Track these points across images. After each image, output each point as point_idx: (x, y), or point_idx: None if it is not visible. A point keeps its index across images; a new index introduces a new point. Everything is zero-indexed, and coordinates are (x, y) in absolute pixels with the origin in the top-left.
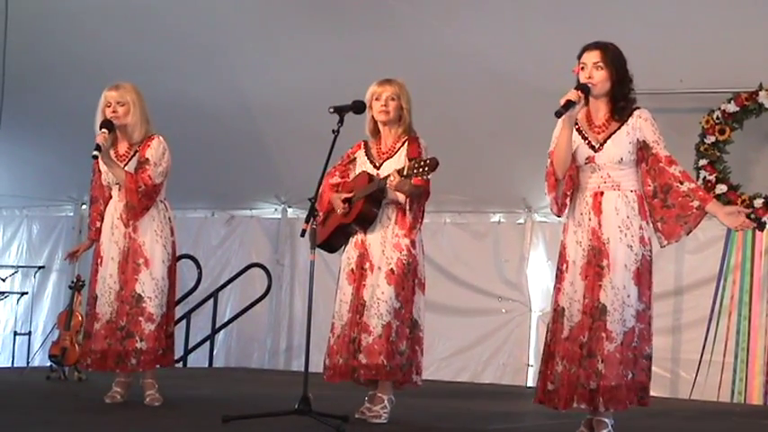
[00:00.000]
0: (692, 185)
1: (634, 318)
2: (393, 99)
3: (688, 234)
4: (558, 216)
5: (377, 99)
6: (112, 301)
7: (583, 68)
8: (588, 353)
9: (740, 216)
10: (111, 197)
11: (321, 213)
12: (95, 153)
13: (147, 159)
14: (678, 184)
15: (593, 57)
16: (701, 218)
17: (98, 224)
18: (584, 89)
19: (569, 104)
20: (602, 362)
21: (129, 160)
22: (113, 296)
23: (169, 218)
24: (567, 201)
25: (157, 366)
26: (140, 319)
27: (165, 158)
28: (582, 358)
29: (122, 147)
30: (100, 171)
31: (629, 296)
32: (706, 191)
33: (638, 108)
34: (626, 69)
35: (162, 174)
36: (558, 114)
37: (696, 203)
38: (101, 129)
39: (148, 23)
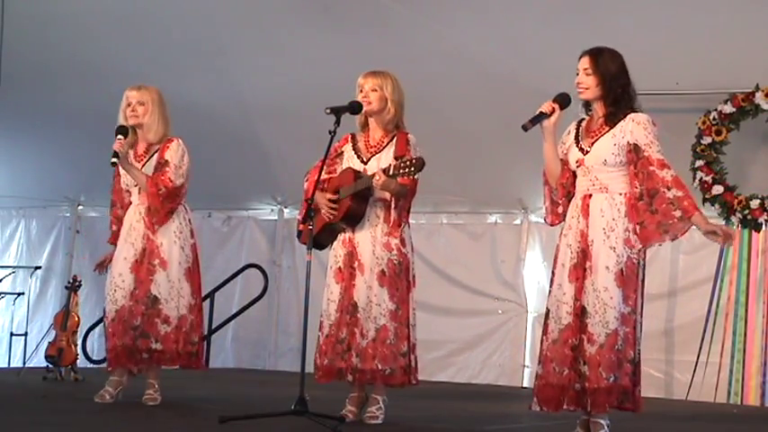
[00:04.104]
0: (680, 193)
1: (617, 320)
2: (375, 90)
3: (672, 240)
4: (551, 225)
5: (360, 91)
6: (117, 299)
7: (577, 74)
8: (577, 355)
9: (719, 237)
10: (130, 202)
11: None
12: (114, 160)
13: (167, 161)
14: (665, 190)
15: (583, 63)
16: (685, 227)
17: (114, 228)
18: (560, 100)
19: (539, 116)
20: (584, 364)
21: (148, 161)
22: (120, 294)
23: (189, 220)
24: (560, 210)
25: (161, 366)
26: (156, 320)
27: (185, 161)
28: (573, 360)
29: (141, 147)
30: (119, 174)
31: (611, 298)
32: (693, 202)
33: (634, 112)
34: (619, 75)
35: (182, 175)
36: (524, 128)
37: (678, 213)
38: (116, 135)
39: (145, 24)
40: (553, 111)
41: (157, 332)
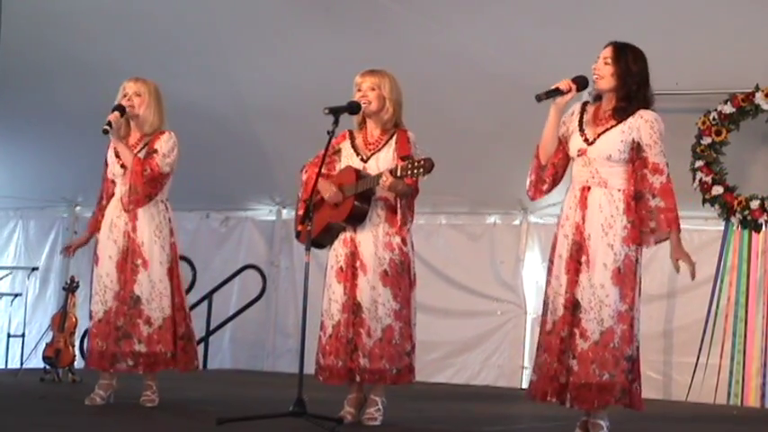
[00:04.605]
0: (662, 204)
1: (613, 318)
2: (373, 89)
3: (656, 243)
4: (532, 200)
5: (358, 90)
6: (107, 299)
7: (596, 62)
8: (565, 347)
9: (680, 265)
10: (113, 194)
11: (303, 204)
12: (106, 128)
13: (156, 150)
14: (650, 197)
15: (606, 52)
16: (659, 239)
17: (100, 218)
18: (579, 81)
19: (555, 92)
20: (573, 358)
21: (139, 151)
22: (110, 295)
23: (169, 218)
24: (545, 188)
25: (153, 370)
26: (138, 321)
27: (174, 152)
28: (561, 353)
29: (133, 137)
30: (107, 164)
31: (607, 296)
32: (671, 216)
33: (645, 109)
34: (635, 73)
35: (169, 165)
36: (537, 98)
37: (653, 224)
38: (113, 111)
39: (142, 24)
40: (569, 90)
41: (140, 333)
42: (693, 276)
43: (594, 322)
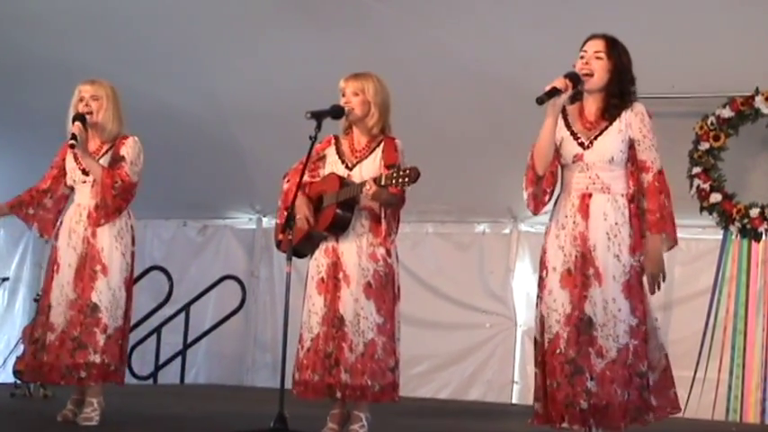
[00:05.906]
0: (647, 205)
1: (627, 334)
2: (356, 94)
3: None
4: (534, 214)
5: (342, 95)
6: (66, 310)
7: (582, 57)
8: (575, 369)
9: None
10: (53, 192)
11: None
12: (72, 142)
13: (123, 157)
14: (641, 198)
15: (595, 45)
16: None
17: (30, 207)
18: (573, 78)
19: (554, 92)
20: (591, 379)
21: (101, 158)
22: (68, 305)
23: (131, 226)
24: (546, 198)
25: (103, 382)
26: (95, 330)
27: (141, 159)
28: (569, 374)
29: (93, 144)
30: (63, 169)
31: (620, 310)
32: (655, 219)
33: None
34: (628, 68)
35: (137, 173)
36: (540, 101)
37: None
38: (73, 121)
39: (114, 25)
40: (567, 88)
41: (96, 342)
42: (652, 292)
43: (611, 339)
